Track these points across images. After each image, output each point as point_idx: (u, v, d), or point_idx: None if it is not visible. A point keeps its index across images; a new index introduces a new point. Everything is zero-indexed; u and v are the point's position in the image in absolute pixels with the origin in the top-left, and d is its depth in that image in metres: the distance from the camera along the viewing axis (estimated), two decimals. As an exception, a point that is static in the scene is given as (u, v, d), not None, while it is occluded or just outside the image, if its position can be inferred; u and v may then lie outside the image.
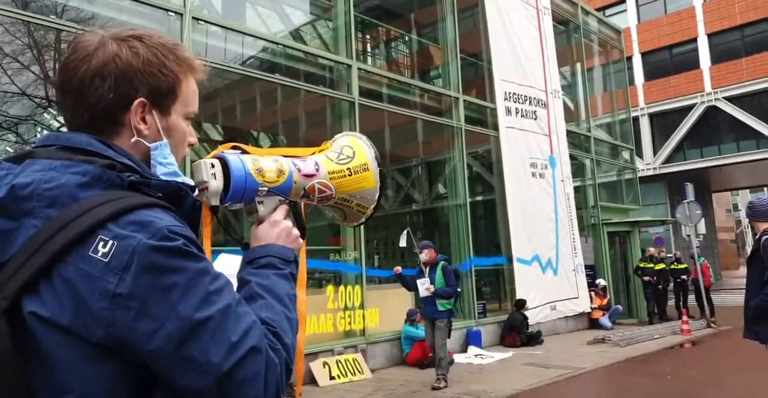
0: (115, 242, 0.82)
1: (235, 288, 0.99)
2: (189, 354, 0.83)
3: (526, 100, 12.31)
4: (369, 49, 13.95)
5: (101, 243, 0.82)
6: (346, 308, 8.60)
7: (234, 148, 1.17)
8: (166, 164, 1.00)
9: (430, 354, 8.82)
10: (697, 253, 13.97)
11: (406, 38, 13.77)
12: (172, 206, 0.92)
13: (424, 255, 7.62)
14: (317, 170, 1.22)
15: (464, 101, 11.32)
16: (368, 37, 13.63)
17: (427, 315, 7.67)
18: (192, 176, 1.10)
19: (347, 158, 1.28)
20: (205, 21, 7.84)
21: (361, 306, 8.70)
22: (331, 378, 7.77)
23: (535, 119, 12.50)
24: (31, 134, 9.62)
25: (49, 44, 9.10)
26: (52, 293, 0.81)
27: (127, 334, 0.81)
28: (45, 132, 10.03)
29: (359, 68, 9.55)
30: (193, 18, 7.51)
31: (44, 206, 0.85)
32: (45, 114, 10.00)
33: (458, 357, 9.45)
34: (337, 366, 7.94)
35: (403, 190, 14.88)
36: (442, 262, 7.60)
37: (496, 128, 11.68)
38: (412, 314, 9.05)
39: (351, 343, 8.44)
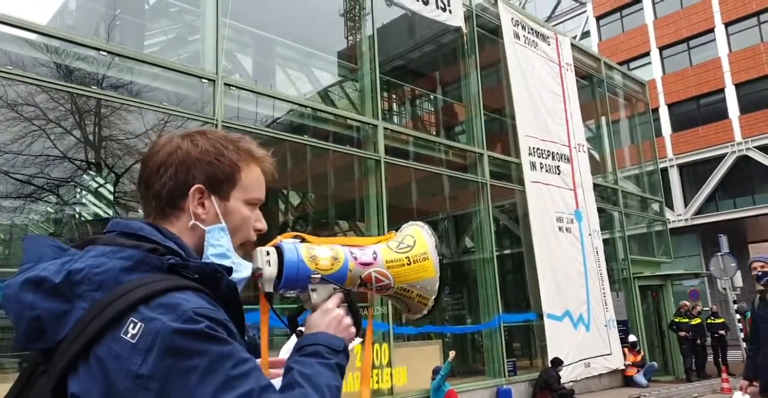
0: (143, 324, 0.86)
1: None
2: None
3: (549, 155, 12.41)
4: (395, 108, 14.32)
5: (131, 325, 0.86)
6: (373, 366, 8.53)
7: (296, 237, 1.20)
8: (216, 246, 1.05)
9: (459, 415, 8.66)
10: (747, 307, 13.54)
11: (431, 96, 14.13)
12: (206, 288, 0.95)
13: None
14: (375, 258, 1.22)
15: (489, 156, 11.46)
16: (394, 96, 14.01)
17: None
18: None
19: (408, 247, 1.27)
20: (237, 87, 8.23)
21: (389, 364, 8.61)
22: (358, 439, 7.63)
23: (559, 174, 12.53)
24: (71, 195, 10.00)
25: (90, 110, 9.58)
26: (87, 372, 0.86)
27: None
28: (83, 192, 10.45)
29: (385, 127, 9.82)
30: (225, 84, 7.89)
31: (92, 290, 0.91)
32: (84, 176, 10.40)
33: (488, 418, 9.22)
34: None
35: (431, 244, 14.84)
36: None
37: (521, 182, 11.75)
38: (437, 370, 8.92)
39: (378, 403, 8.33)
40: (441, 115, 13.92)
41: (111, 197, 10.36)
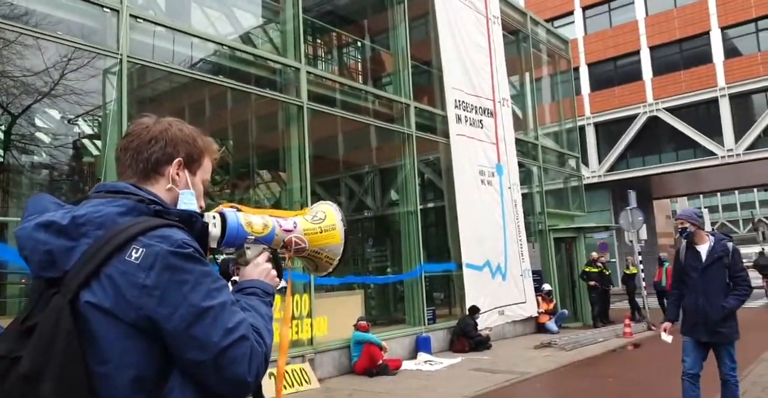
0: (144, 249, 1.12)
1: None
2: (195, 333, 1.11)
3: (473, 109, 12.45)
4: (321, 54, 13.84)
5: (134, 250, 1.12)
6: (293, 317, 8.45)
7: (232, 207, 1.49)
8: (188, 204, 1.36)
9: (379, 362, 8.79)
10: (665, 257, 14.63)
11: (359, 44, 13.74)
12: (185, 228, 1.22)
13: None
14: (295, 226, 1.54)
15: (415, 107, 11.35)
16: (320, 41, 13.52)
17: None
18: None
19: (320, 219, 1.61)
20: (144, 19, 7.57)
21: (309, 315, 8.56)
22: (278, 388, 7.60)
23: (482, 128, 12.63)
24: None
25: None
26: (99, 286, 1.11)
27: (151, 316, 1.10)
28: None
29: (308, 72, 9.45)
30: (131, 15, 7.24)
31: (94, 229, 1.17)
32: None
33: (408, 364, 9.43)
34: (284, 376, 7.78)
35: (357, 197, 14.78)
36: None
37: (446, 135, 11.76)
38: (361, 319, 9.00)
39: (298, 353, 8.29)
40: (369, 64, 13.60)
41: (3, 138, 9.55)
